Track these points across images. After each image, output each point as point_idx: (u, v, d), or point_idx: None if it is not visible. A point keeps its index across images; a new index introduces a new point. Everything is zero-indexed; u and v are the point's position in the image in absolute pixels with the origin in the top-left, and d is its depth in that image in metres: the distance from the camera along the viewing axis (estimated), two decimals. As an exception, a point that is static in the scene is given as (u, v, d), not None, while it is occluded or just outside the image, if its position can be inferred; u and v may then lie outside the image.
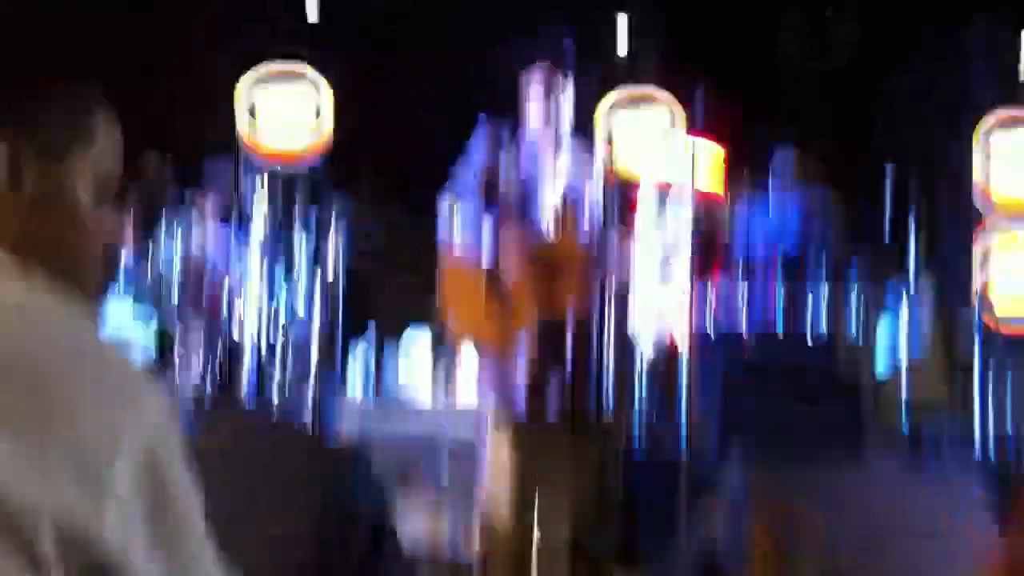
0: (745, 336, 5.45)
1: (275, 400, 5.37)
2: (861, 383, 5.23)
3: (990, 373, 5.55)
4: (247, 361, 5.12)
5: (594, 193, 4.02)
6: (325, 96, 7.08)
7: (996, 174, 6.07)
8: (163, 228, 5.49)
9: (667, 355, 4.75)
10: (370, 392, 6.37)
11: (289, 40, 7.24)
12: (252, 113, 7.12)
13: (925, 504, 2.94)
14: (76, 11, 6.23)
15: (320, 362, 5.43)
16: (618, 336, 4.93)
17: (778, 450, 4.31)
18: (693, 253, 4.08)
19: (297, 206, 5.48)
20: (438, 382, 6.20)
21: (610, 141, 7.26)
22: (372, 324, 6.38)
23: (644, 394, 4.99)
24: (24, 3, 5.95)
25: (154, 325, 5.08)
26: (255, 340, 5.18)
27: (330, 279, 5.53)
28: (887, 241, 5.48)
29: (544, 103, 3.96)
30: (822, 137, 6.35)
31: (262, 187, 5.24)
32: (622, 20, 7.41)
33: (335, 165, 5.80)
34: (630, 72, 7.32)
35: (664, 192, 4.33)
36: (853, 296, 5.44)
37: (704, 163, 4.26)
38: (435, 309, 3.96)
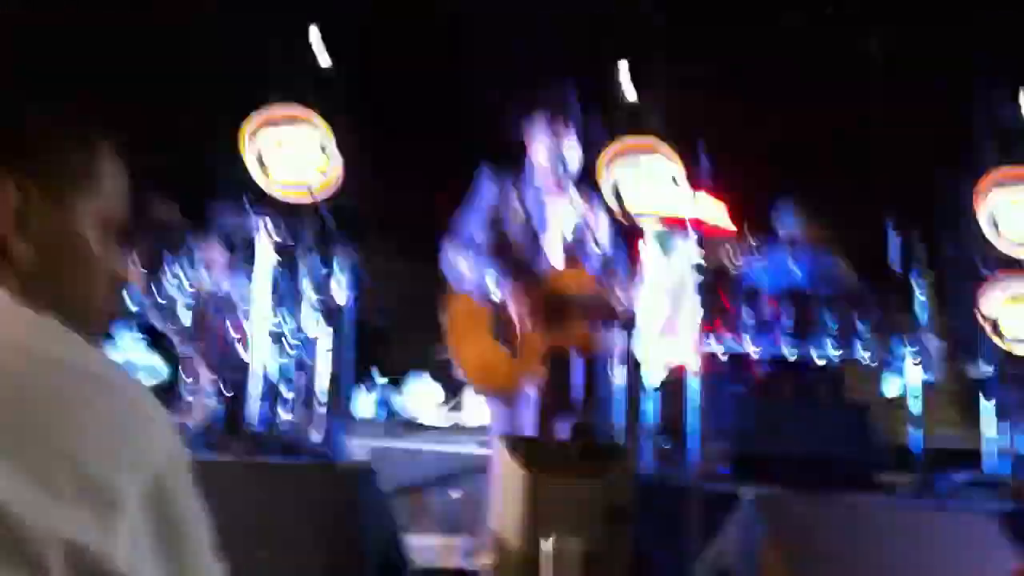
0: (754, 360, 5.43)
1: (284, 424, 5.39)
2: (870, 406, 5.22)
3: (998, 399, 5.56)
4: (256, 388, 5.14)
5: (599, 232, 4.03)
6: (330, 142, 7.19)
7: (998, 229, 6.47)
8: (171, 266, 5.56)
9: (675, 381, 4.76)
10: (380, 414, 6.42)
11: (296, 87, 7.35)
12: (260, 159, 7.23)
13: (939, 528, 2.93)
14: (86, 55, 6.29)
15: (329, 391, 5.47)
16: (627, 363, 4.94)
17: (788, 473, 4.31)
18: (700, 286, 4.09)
19: (302, 247, 5.53)
20: (447, 405, 6.24)
21: (615, 185, 7.34)
22: (378, 365, 6.51)
23: (654, 418, 4.99)
24: (33, 45, 6.02)
25: (163, 357, 5.11)
26: (264, 369, 5.20)
27: (340, 320, 5.61)
28: (894, 280, 5.51)
29: (548, 150, 3.97)
30: (826, 194, 6.39)
31: (268, 228, 5.28)
32: (624, 71, 7.51)
33: (340, 210, 5.88)
34: (633, 122, 7.42)
35: (670, 228, 4.34)
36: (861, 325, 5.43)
37: (709, 203, 4.27)
38: (442, 352, 3.96)
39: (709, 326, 4.94)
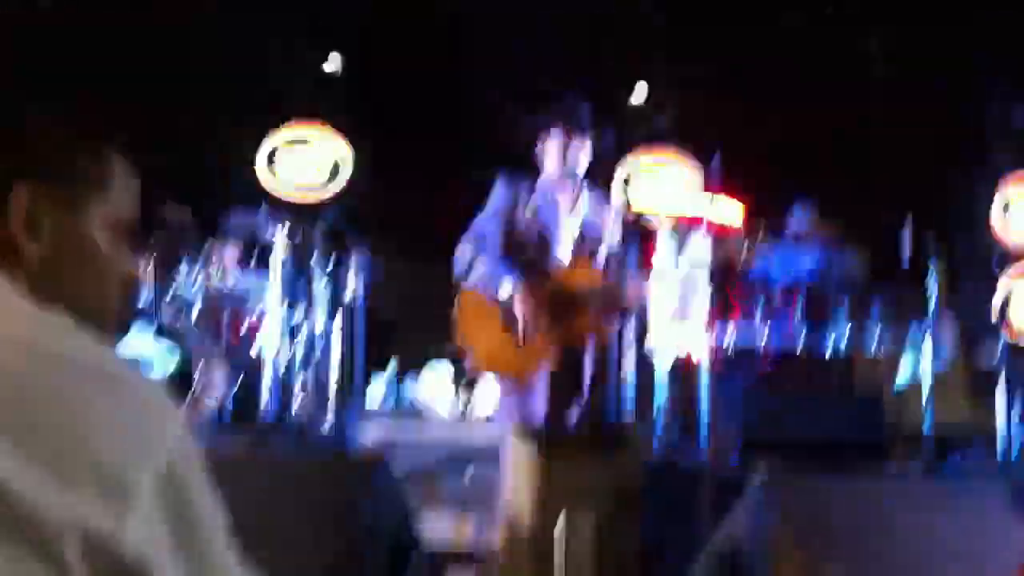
0: (763, 351, 5.43)
1: (295, 415, 5.41)
2: (882, 395, 5.21)
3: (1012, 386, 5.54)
4: (268, 378, 5.16)
5: (611, 230, 4.05)
6: (344, 148, 7.24)
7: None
8: (185, 267, 5.61)
9: (685, 367, 4.76)
10: (391, 404, 6.45)
11: (297, 87, 7.38)
12: (272, 160, 7.29)
13: (950, 508, 2.92)
14: (86, 55, 6.32)
15: (340, 382, 5.50)
16: (638, 351, 4.95)
17: (799, 460, 4.30)
18: (712, 279, 4.10)
19: (317, 248, 5.57)
20: (459, 395, 6.27)
21: (625, 182, 7.37)
22: (392, 360, 6.55)
23: (665, 405, 4.99)
24: (33, 45, 6.05)
25: (176, 351, 5.15)
26: (275, 362, 5.23)
27: (349, 316, 5.64)
28: (907, 277, 5.52)
29: (562, 157, 4.00)
30: (833, 189, 6.40)
31: (283, 229, 5.32)
32: (641, 85, 7.53)
33: (353, 215, 5.92)
34: (648, 132, 7.44)
35: (682, 225, 4.35)
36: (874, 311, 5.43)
37: (722, 201, 4.29)
38: (452, 345, 3.98)
39: (719, 318, 4.94)
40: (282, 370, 5.33)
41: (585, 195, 4.06)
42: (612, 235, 4.06)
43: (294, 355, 5.52)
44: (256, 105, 7.21)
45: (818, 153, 6.97)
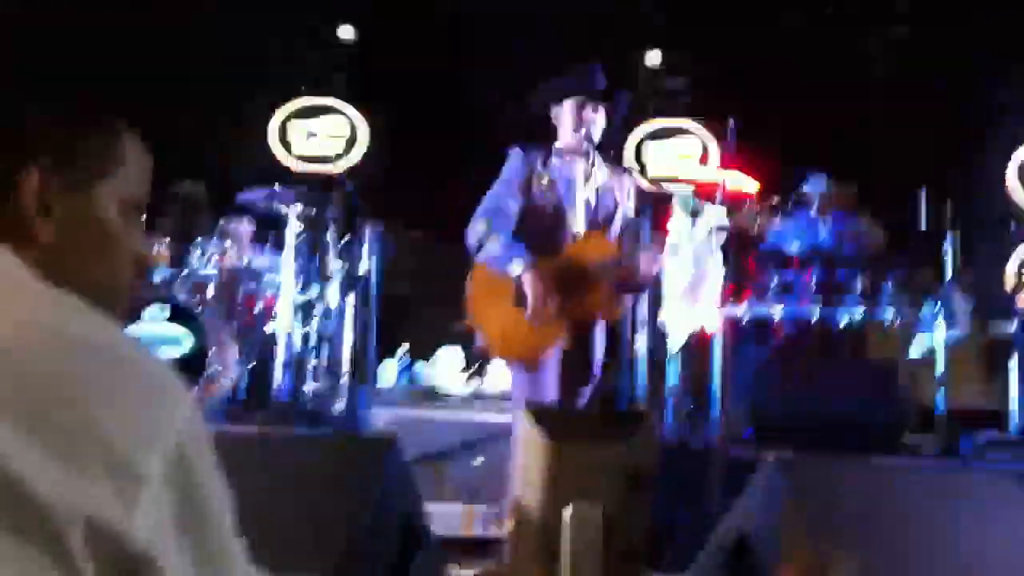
0: (778, 322, 5.41)
1: (307, 394, 5.43)
2: (896, 368, 5.18)
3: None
4: (280, 359, 5.17)
5: (623, 199, 4.01)
6: (359, 123, 7.22)
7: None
8: (197, 240, 5.61)
9: (698, 345, 4.75)
10: (404, 383, 6.46)
11: (326, 68, 7.37)
12: (286, 137, 7.28)
13: (963, 490, 2.91)
14: (86, 55, 6.31)
15: (352, 360, 5.51)
16: (650, 328, 4.92)
17: (811, 436, 4.29)
18: (726, 250, 4.06)
19: (330, 225, 5.56)
20: (469, 373, 6.27)
21: (638, 151, 7.34)
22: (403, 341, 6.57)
23: (676, 382, 4.98)
24: (33, 45, 6.04)
25: (188, 330, 5.16)
26: (288, 340, 5.23)
27: (363, 293, 5.64)
28: (922, 248, 5.49)
29: (576, 131, 3.95)
30: (857, 166, 6.36)
31: (292, 200, 5.30)
32: (654, 55, 7.48)
33: (366, 191, 5.91)
34: (663, 104, 7.41)
35: (695, 193, 4.31)
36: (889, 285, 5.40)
37: (740, 177, 4.24)
38: (463, 322, 3.96)
39: (733, 289, 4.92)
40: (296, 348, 5.34)
41: (599, 164, 4.01)
42: (626, 205, 4.02)
43: (308, 333, 5.52)
44: (253, 103, 7.24)
45: (827, 131, 6.92)
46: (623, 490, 2.94)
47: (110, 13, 6.62)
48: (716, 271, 4.20)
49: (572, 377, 3.83)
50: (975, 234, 5.98)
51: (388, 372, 6.47)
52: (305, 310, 5.48)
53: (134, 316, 5.06)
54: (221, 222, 5.81)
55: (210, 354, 5.13)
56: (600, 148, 4.00)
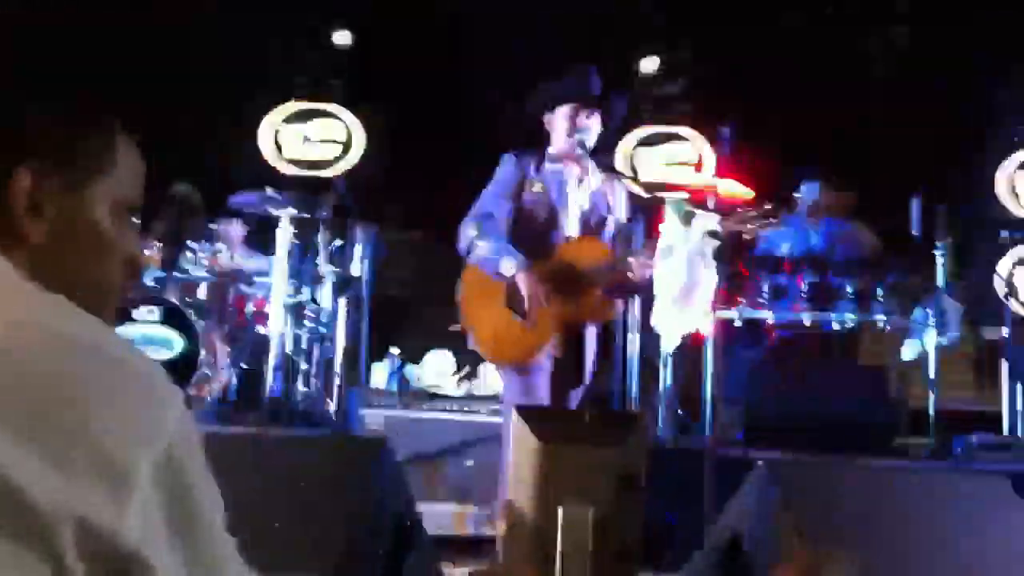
0: (770, 325, 5.41)
1: (299, 395, 5.41)
2: (888, 371, 5.20)
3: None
4: (272, 360, 5.16)
5: (616, 203, 4.00)
6: (353, 125, 7.21)
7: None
8: (189, 241, 5.60)
9: (690, 348, 4.74)
10: (395, 385, 6.45)
11: (325, 69, 7.36)
12: (279, 140, 7.27)
13: (956, 492, 2.91)
14: (86, 55, 6.30)
15: (344, 362, 5.51)
16: (642, 331, 4.91)
17: (804, 438, 4.29)
18: (719, 253, 4.06)
19: (323, 227, 5.56)
20: (461, 375, 6.26)
21: (631, 157, 7.34)
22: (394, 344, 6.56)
23: (669, 383, 4.98)
24: (33, 45, 6.03)
25: (180, 331, 5.15)
26: (280, 341, 5.23)
27: (355, 295, 5.64)
28: (915, 252, 5.50)
29: (570, 136, 3.94)
30: (850, 171, 6.37)
31: (284, 202, 5.30)
32: (651, 61, 7.49)
33: (360, 193, 5.91)
34: (657, 109, 7.41)
35: (688, 198, 4.31)
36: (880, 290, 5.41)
37: (733, 185, 4.24)
38: (455, 324, 3.95)
39: (726, 292, 4.92)
40: (287, 350, 5.33)
41: (593, 169, 4.00)
42: (618, 209, 4.01)
43: (299, 335, 5.52)
44: (253, 103, 7.23)
45: (824, 134, 6.93)
46: (616, 491, 2.94)
47: (109, 13, 6.60)
48: (709, 276, 4.20)
49: (564, 380, 3.82)
50: (972, 236, 6.01)
51: (378, 375, 6.47)
52: (296, 312, 5.46)
53: (124, 317, 5.05)
54: (212, 222, 5.80)
55: (201, 356, 5.12)
56: (594, 153, 3.99)
